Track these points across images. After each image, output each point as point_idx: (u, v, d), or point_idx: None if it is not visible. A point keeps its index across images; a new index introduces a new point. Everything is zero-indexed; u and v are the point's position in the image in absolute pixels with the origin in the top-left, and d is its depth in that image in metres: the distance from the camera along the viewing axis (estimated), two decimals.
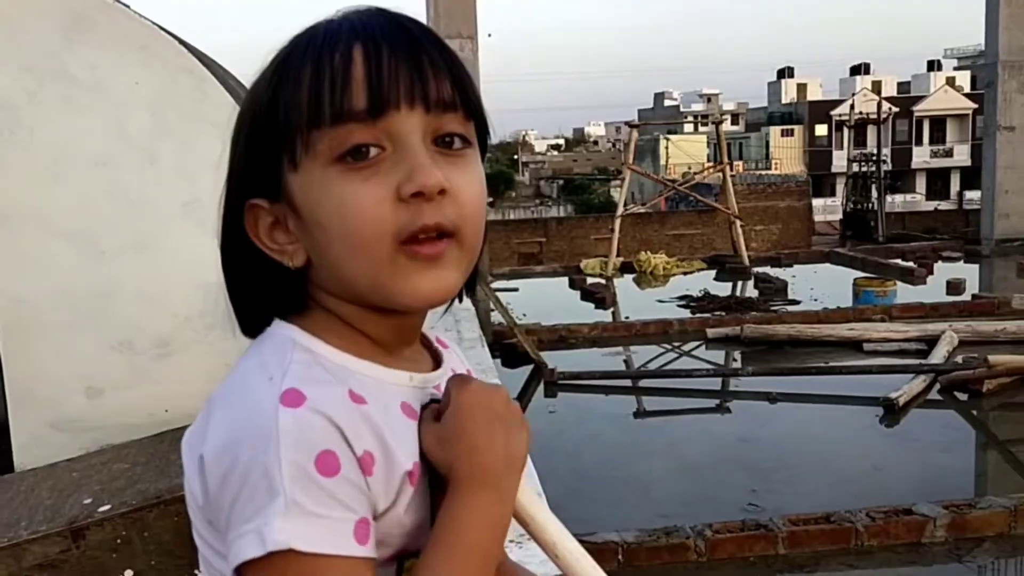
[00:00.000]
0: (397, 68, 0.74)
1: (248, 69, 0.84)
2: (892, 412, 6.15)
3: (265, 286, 0.81)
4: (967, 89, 51.59)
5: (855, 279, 10.45)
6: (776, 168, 42.38)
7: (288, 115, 0.75)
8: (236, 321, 0.87)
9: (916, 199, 44.91)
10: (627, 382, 7.40)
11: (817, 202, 30.57)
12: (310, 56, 0.76)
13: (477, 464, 0.76)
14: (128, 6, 3.69)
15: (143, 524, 1.87)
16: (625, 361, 8.23)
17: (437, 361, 0.90)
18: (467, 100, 0.78)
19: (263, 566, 0.69)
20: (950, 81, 53.15)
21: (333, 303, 0.80)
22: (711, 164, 21.19)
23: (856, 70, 56.86)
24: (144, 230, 3.54)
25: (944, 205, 41.47)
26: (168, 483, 1.99)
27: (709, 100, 69.94)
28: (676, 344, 8.55)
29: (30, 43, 3.39)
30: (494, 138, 0.88)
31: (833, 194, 42.18)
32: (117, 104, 3.48)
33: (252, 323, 0.84)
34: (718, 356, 8.16)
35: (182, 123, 3.49)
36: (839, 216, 34.74)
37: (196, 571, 2.08)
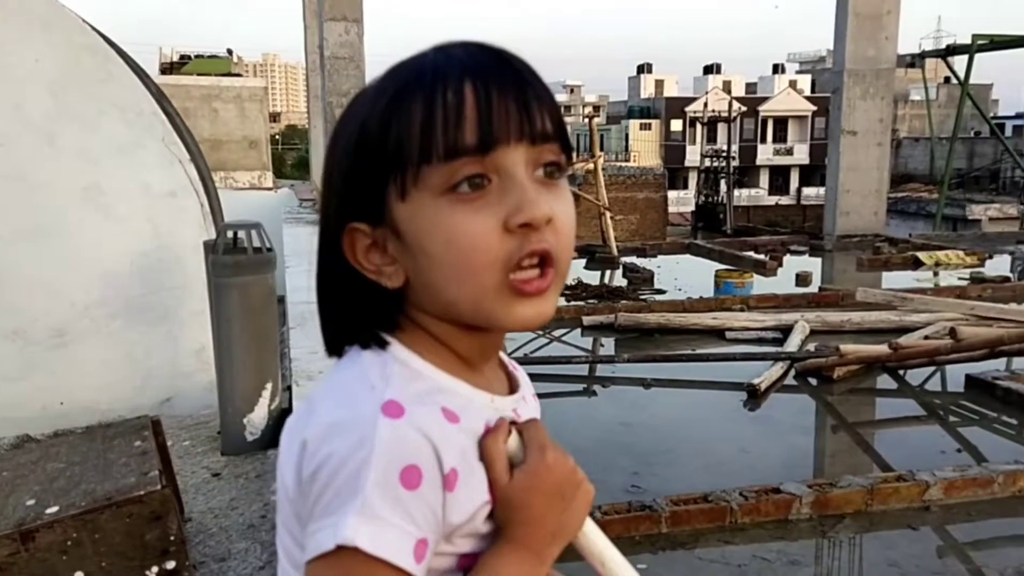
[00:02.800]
0: (506, 104, 0.79)
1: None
2: (754, 397, 6.56)
3: (361, 304, 0.85)
4: (807, 92, 54.89)
5: (716, 271, 11.01)
6: (635, 160, 43.79)
7: (400, 149, 0.79)
8: (323, 341, 0.91)
9: (760, 194, 47.50)
10: None
11: (671, 194, 31.93)
12: (421, 91, 0.79)
13: (525, 535, 0.82)
14: None
15: (95, 526, 1.83)
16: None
17: (512, 383, 0.97)
18: (562, 131, 0.84)
19: (330, 559, 0.75)
20: (792, 84, 56.38)
21: (427, 321, 0.85)
22: (580, 155, 21.65)
23: (708, 69, 59.45)
24: (42, 216, 3.36)
25: (784, 200, 44.16)
26: (115, 484, 1.95)
27: (572, 91, 71.44)
28: (554, 331, 8.79)
29: None
30: None
31: (686, 187, 44.08)
32: (14, 82, 3.28)
33: (342, 339, 0.88)
34: (597, 343, 8.45)
35: (84, 104, 3.34)
36: (691, 208, 36.43)
37: (147, 572, 2.06)
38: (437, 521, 0.78)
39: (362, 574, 0.74)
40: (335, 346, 0.89)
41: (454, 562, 0.82)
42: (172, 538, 1.91)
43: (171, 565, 1.87)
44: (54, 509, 1.89)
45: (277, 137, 59.82)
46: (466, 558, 0.83)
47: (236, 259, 3.27)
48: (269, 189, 21.19)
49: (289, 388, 3.38)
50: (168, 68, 34.90)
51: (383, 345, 0.85)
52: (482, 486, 0.81)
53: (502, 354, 0.98)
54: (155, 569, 1.87)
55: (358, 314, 0.86)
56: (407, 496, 0.75)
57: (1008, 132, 39.51)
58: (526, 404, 0.95)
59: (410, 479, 0.75)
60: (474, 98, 0.78)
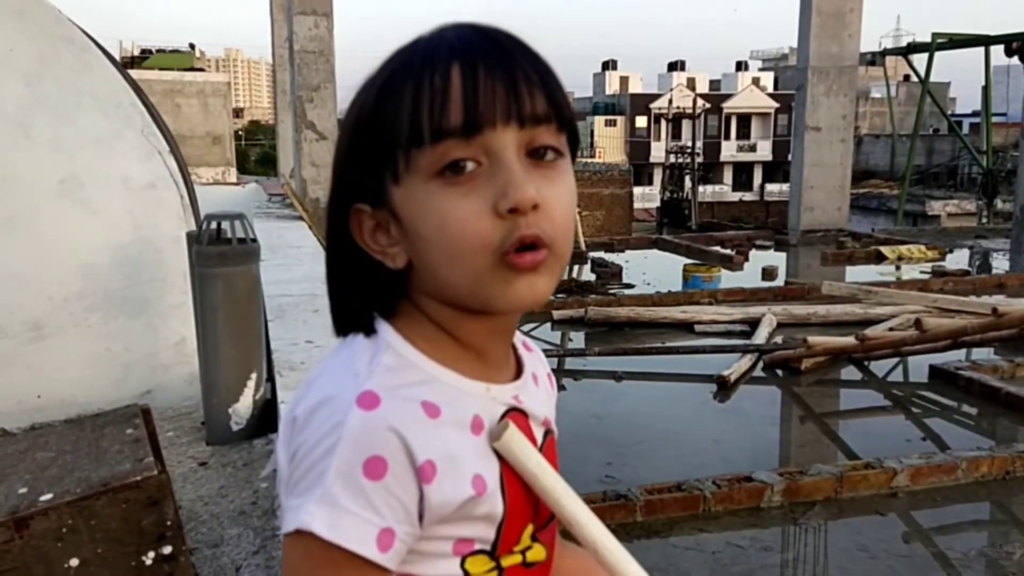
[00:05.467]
0: (493, 86, 0.78)
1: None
2: (724, 388, 6.67)
3: (365, 286, 0.86)
4: (770, 89, 55.52)
5: (684, 265, 11.14)
6: (600, 156, 43.96)
7: (390, 134, 0.79)
8: (332, 321, 0.90)
9: (724, 190, 47.98)
10: None
11: (636, 190, 32.25)
12: (411, 76, 0.79)
13: None
14: None
15: (90, 512, 1.83)
16: None
17: (520, 367, 0.96)
18: (560, 112, 0.82)
19: (292, 541, 0.77)
20: (755, 81, 56.94)
21: (429, 304, 0.85)
22: None
23: (673, 66, 59.85)
24: (17, 207, 3.33)
25: (748, 196, 44.69)
26: (110, 470, 1.95)
27: None
28: (524, 325, 8.84)
29: None
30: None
31: (651, 183, 44.42)
32: None
33: (347, 322, 0.88)
34: (565, 337, 8.51)
35: (61, 95, 3.31)
36: (656, 204, 36.71)
37: (143, 558, 2.06)
38: (408, 512, 0.78)
39: (320, 558, 0.76)
40: (341, 328, 0.89)
41: (449, 546, 0.83)
42: (169, 523, 1.93)
43: (168, 550, 1.88)
44: (48, 496, 1.89)
45: (240, 133, 59.14)
46: (462, 543, 0.84)
47: (220, 249, 3.27)
48: (235, 184, 20.98)
49: (272, 379, 3.39)
50: (129, 63, 34.36)
51: (376, 332, 0.86)
52: (466, 479, 0.81)
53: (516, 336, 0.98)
54: (151, 554, 1.88)
55: (361, 296, 0.87)
56: (370, 486, 0.76)
57: (965, 130, 40.31)
58: (529, 388, 0.95)
59: (374, 470, 0.76)
60: (460, 80, 0.78)
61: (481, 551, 0.85)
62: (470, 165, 0.78)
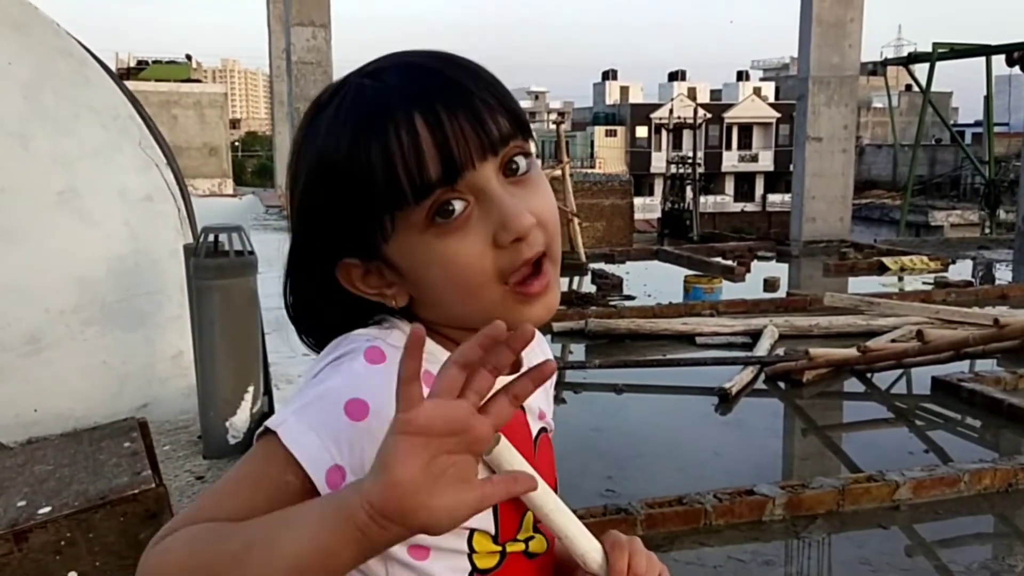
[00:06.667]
0: (461, 128, 0.78)
1: None
2: (726, 401, 6.63)
3: (357, 319, 0.88)
4: (771, 99, 55.57)
5: (685, 276, 11.11)
6: (600, 167, 43.97)
7: (371, 199, 0.79)
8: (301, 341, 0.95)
9: (725, 200, 47.98)
10: None
11: (637, 201, 32.20)
12: (373, 135, 0.78)
13: (362, 484, 0.68)
14: None
15: (88, 525, 1.82)
16: None
17: (517, 361, 0.99)
18: (520, 123, 0.83)
19: (260, 439, 0.79)
20: (757, 91, 57.01)
21: (435, 325, 0.87)
22: (546, 162, 21.65)
23: (673, 76, 59.98)
24: (15, 219, 3.32)
25: (750, 207, 44.70)
26: (108, 483, 1.94)
27: (537, 98, 71.71)
28: None
29: None
30: None
31: (651, 193, 44.45)
32: None
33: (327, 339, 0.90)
34: (565, 349, 8.49)
35: (59, 107, 3.31)
36: (657, 215, 36.74)
37: None
38: (364, 470, 0.72)
39: (274, 459, 0.77)
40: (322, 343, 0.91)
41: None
42: None
43: None
44: (46, 509, 1.88)
45: (237, 144, 59.24)
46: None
47: (218, 262, 3.27)
48: (231, 196, 21.01)
49: (269, 392, 3.38)
50: (125, 74, 34.47)
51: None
52: None
53: None
54: None
55: (355, 325, 0.88)
56: (343, 422, 0.77)
57: (968, 140, 40.38)
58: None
59: (354, 409, 0.78)
60: (428, 131, 0.77)
61: (484, 531, 0.86)
62: (458, 205, 0.79)
